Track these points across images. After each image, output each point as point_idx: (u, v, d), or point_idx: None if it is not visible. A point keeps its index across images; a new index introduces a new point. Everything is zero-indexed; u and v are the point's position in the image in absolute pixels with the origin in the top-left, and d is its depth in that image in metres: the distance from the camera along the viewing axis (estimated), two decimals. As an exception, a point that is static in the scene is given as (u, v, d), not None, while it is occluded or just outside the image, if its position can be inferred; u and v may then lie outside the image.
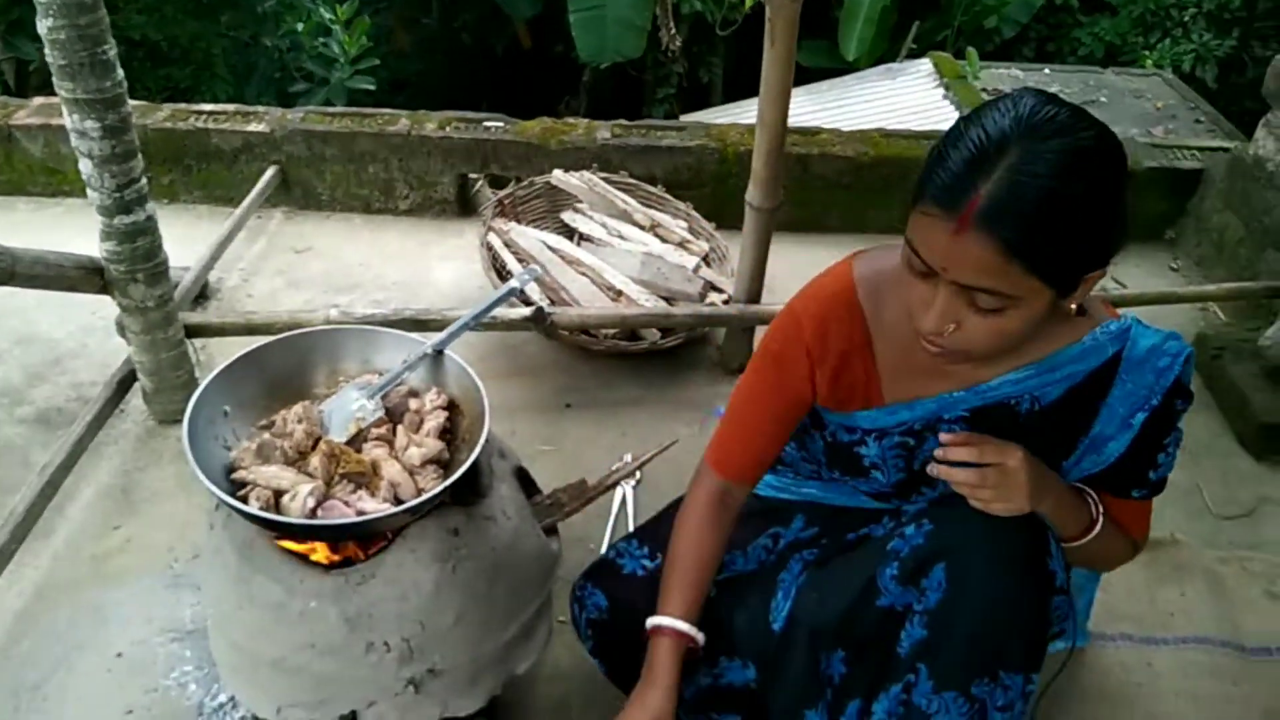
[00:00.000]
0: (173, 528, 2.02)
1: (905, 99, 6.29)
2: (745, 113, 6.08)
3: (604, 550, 1.83)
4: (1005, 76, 6.83)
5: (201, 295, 2.63)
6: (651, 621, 1.41)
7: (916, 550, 1.30)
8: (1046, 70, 6.92)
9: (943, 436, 1.26)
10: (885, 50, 8.29)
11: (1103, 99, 6.43)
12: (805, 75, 7.67)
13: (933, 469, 1.27)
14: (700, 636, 1.41)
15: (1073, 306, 1.20)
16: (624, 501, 2.10)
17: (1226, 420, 2.45)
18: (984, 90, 6.34)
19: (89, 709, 1.68)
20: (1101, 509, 1.33)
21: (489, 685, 1.55)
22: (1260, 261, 2.68)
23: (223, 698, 1.70)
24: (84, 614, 1.83)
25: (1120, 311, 1.33)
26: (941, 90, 6.31)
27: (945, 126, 3.24)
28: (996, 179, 1.03)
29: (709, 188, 2.99)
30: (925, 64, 6.68)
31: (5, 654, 1.76)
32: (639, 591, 1.53)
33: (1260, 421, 2.32)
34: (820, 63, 8.31)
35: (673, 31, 7.28)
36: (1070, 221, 1.05)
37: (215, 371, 1.50)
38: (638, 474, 2.13)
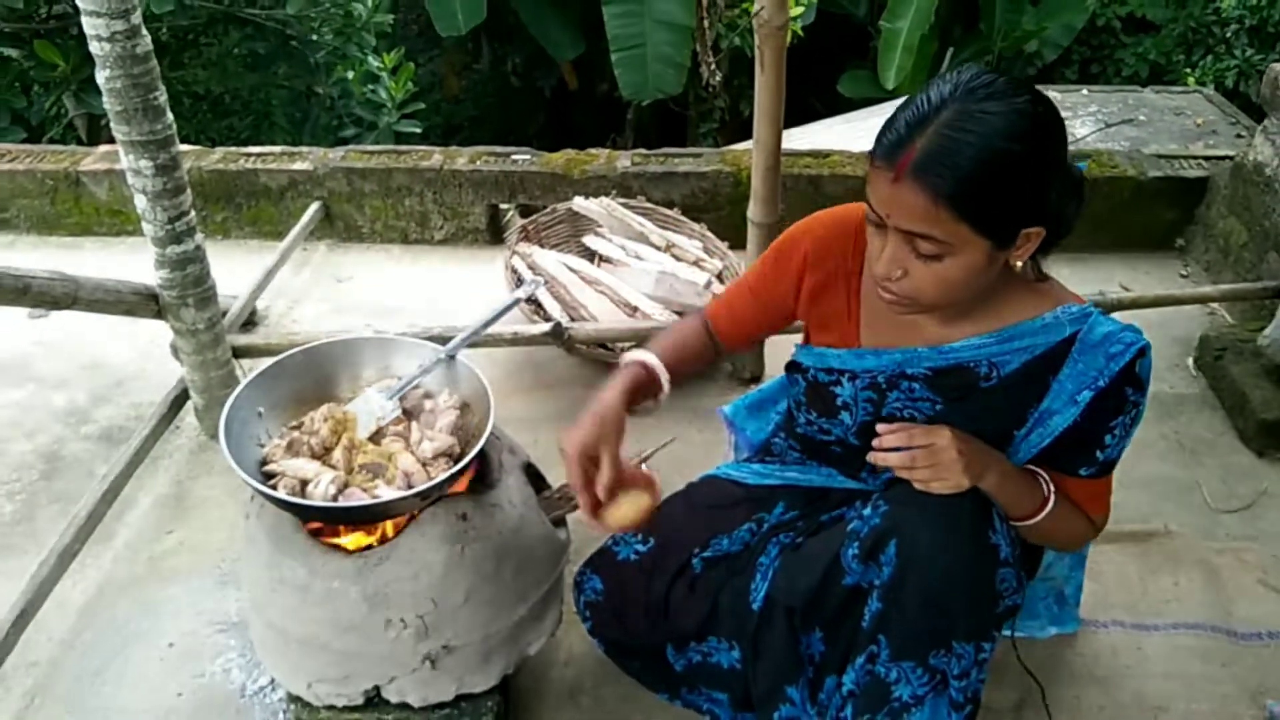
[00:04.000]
0: (221, 531, 2.18)
1: (940, 123, 6.36)
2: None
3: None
4: (1042, 99, 6.88)
5: (250, 321, 2.83)
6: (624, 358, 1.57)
7: (874, 529, 1.38)
8: (1085, 91, 6.93)
9: (879, 427, 1.35)
10: (926, 79, 8.38)
11: (1141, 117, 6.43)
12: (849, 105, 7.79)
13: (873, 457, 1.36)
14: (664, 375, 1.53)
15: (1018, 264, 1.28)
16: (637, 501, 2.22)
17: (1229, 419, 2.51)
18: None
19: (143, 692, 1.84)
20: (1053, 488, 1.40)
21: (501, 664, 1.68)
22: (1263, 264, 2.73)
23: (263, 681, 1.85)
24: (140, 608, 2.01)
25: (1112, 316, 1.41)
26: (976, 113, 6.38)
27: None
28: (930, 134, 1.16)
29: (725, 210, 3.12)
30: (961, 89, 6.75)
31: (69, 644, 1.93)
32: (631, 575, 1.65)
33: (1259, 418, 2.37)
34: (862, 92, 8.39)
35: (713, 67, 7.41)
36: (997, 174, 1.17)
37: (249, 378, 1.67)
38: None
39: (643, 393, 1.52)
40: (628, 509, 1.42)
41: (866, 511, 1.42)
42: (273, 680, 1.83)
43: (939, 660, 1.34)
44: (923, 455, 1.31)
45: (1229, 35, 8.24)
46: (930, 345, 1.41)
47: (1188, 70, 8.26)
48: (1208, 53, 8.37)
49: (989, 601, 1.35)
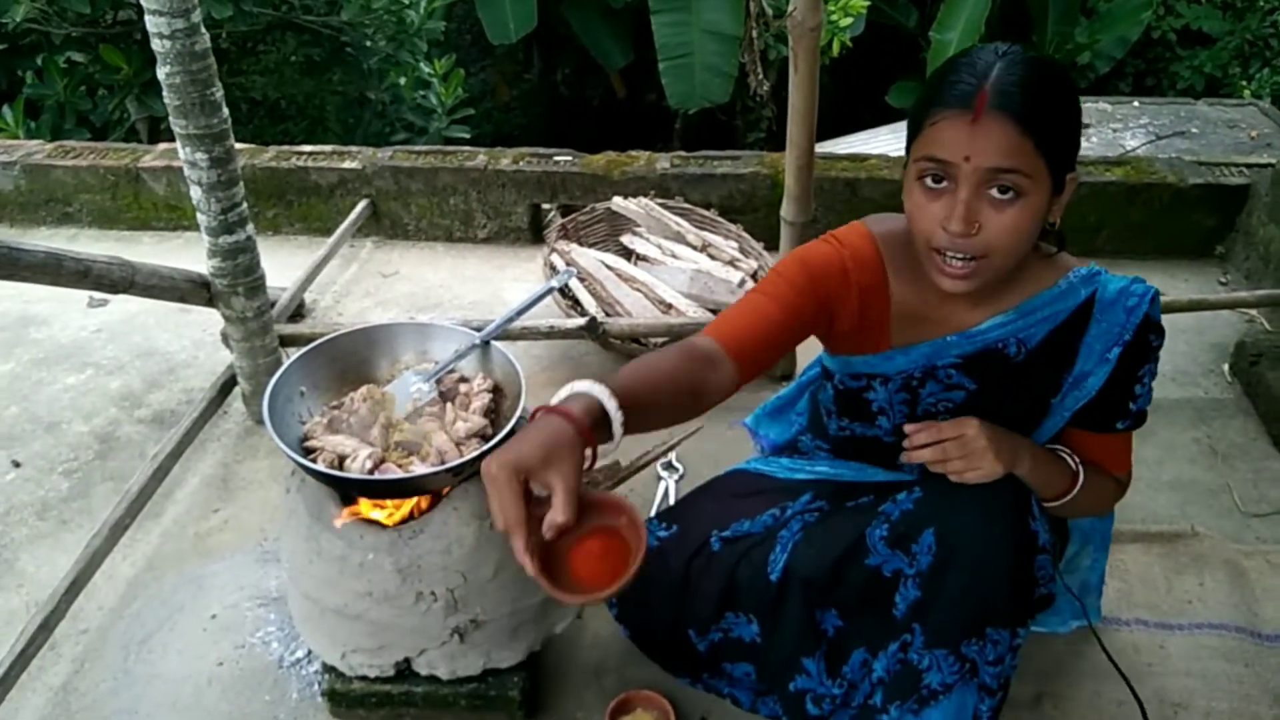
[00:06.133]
0: (264, 511, 2.26)
1: (988, 133, 6.33)
2: (829, 148, 6.16)
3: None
4: (1092, 110, 6.82)
5: (298, 313, 2.92)
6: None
7: (906, 515, 1.42)
8: (1136, 103, 6.86)
9: (907, 428, 1.40)
10: (976, 90, 8.35)
11: (1194, 129, 6.35)
12: (899, 117, 7.79)
13: (905, 456, 1.40)
14: (617, 415, 1.16)
15: (1056, 220, 1.34)
16: (666, 493, 2.26)
17: (1263, 425, 2.50)
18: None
19: (187, 660, 1.92)
20: (1079, 463, 1.45)
21: (528, 640, 1.73)
22: (1304, 272, 2.72)
23: (300, 653, 1.92)
24: (185, 582, 2.09)
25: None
26: (1024, 124, 6.34)
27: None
28: (996, 75, 1.22)
29: (761, 212, 3.15)
30: (1009, 99, 6.72)
31: (118, 614, 2.02)
32: (654, 561, 1.69)
33: (1294, 424, 2.37)
34: (912, 103, 8.39)
35: (760, 77, 7.44)
36: (1061, 103, 1.25)
37: (293, 358, 1.74)
38: (679, 467, 2.29)
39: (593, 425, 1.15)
40: None
41: (900, 496, 1.45)
42: (309, 652, 1.90)
43: (971, 648, 1.37)
44: (954, 446, 1.35)
45: (1286, 48, 8.12)
46: (956, 333, 1.44)
47: (1244, 83, 8.14)
48: (1265, 65, 8.25)
49: (1027, 588, 1.39)
